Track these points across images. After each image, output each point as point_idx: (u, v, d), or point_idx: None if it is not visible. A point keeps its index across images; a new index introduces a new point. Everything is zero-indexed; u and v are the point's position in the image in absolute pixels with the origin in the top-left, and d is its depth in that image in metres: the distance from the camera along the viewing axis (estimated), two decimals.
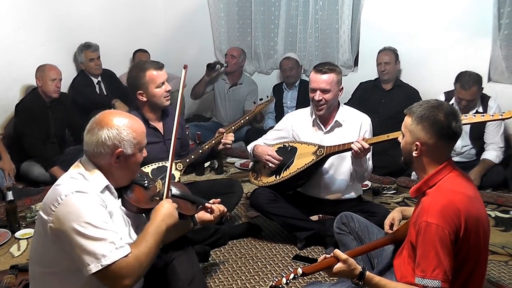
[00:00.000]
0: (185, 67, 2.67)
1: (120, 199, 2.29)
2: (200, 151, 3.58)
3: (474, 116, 2.84)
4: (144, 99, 3.39)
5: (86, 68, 5.63)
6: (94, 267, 1.93)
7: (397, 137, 2.75)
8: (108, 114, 2.19)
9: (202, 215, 2.72)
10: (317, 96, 3.45)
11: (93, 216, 1.96)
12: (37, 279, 2.17)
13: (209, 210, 2.72)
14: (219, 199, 2.82)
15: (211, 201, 2.77)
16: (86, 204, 1.98)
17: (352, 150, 3.22)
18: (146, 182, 2.43)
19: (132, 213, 2.38)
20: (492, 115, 2.83)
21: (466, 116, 2.79)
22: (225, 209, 2.77)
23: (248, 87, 6.28)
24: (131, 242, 2.21)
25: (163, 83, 3.40)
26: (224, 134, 3.61)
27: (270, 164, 3.57)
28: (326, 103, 3.47)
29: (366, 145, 3.16)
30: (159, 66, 3.43)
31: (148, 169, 3.30)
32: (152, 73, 3.37)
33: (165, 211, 2.22)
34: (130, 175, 2.29)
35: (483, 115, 2.85)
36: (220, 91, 6.34)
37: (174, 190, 2.57)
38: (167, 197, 2.38)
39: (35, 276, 2.18)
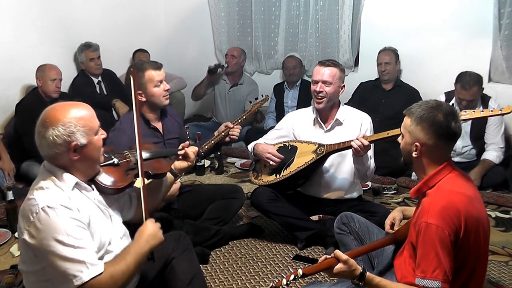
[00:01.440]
0: (132, 73, 2.70)
1: (95, 189, 2.26)
2: (206, 146, 3.63)
3: (474, 111, 2.84)
4: (143, 99, 3.38)
5: (86, 68, 5.62)
6: None
7: (397, 134, 2.76)
8: (49, 112, 2.09)
9: (179, 164, 2.74)
10: (318, 87, 3.47)
11: (63, 233, 1.93)
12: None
13: (182, 157, 2.74)
14: (187, 142, 2.85)
15: (180, 147, 2.78)
16: (57, 221, 1.93)
17: (352, 148, 3.22)
18: (114, 159, 2.37)
19: (112, 199, 2.37)
20: (492, 111, 2.84)
21: (465, 112, 2.79)
22: (197, 149, 2.80)
23: (248, 87, 6.28)
24: (114, 238, 2.24)
25: (161, 82, 3.40)
26: (231, 127, 3.69)
27: (271, 162, 3.57)
28: (326, 96, 3.48)
29: (366, 142, 3.16)
30: (157, 66, 3.42)
31: None
32: (150, 73, 3.36)
33: (149, 232, 2.19)
34: (95, 162, 2.21)
35: (482, 111, 2.85)
36: (221, 92, 6.34)
37: (144, 154, 2.51)
38: (143, 177, 2.35)
39: (32, 286, 2.13)
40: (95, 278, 1.95)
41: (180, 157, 2.74)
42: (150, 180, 2.59)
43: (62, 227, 1.93)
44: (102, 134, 2.21)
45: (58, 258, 1.92)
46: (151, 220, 2.26)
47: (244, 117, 3.82)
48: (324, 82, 3.47)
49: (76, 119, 2.06)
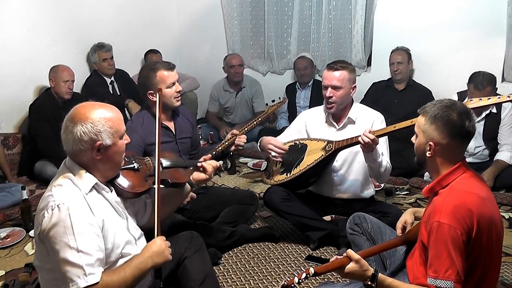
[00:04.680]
0: (159, 90, 2.70)
1: (114, 190, 2.27)
2: (214, 152, 3.53)
3: (481, 99, 2.75)
4: (154, 99, 3.37)
5: (99, 68, 5.66)
6: None
7: (404, 127, 2.75)
8: (79, 109, 2.12)
9: (197, 176, 2.75)
10: (328, 93, 3.46)
11: (71, 234, 1.94)
12: (50, 285, 2.14)
13: (201, 169, 2.74)
14: (209, 155, 2.87)
15: (201, 159, 2.79)
16: (68, 220, 1.95)
17: (360, 144, 3.20)
18: (135, 164, 2.39)
19: (128, 202, 2.38)
20: (499, 97, 2.75)
21: (472, 100, 2.74)
22: (217, 164, 2.80)
23: (252, 88, 6.35)
24: (130, 240, 2.24)
25: (173, 84, 3.38)
26: (237, 136, 3.60)
27: (273, 154, 3.56)
28: (337, 101, 3.48)
29: (372, 136, 3.12)
30: (170, 66, 3.39)
31: None
32: (163, 73, 3.34)
33: (156, 249, 2.18)
34: (116, 165, 2.23)
35: (489, 98, 2.75)
36: (227, 102, 6.40)
37: (164, 162, 2.54)
38: (158, 182, 2.35)
39: (47, 283, 2.15)
40: (91, 286, 1.95)
41: (201, 168, 2.75)
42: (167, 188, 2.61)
43: (73, 227, 1.95)
44: (126, 140, 2.23)
45: (61, 258, 1.94)
46: (162, 237, 2.26)
47: (254, 123, 3.73)
48: (333, 87, 3.45)
49: (105, 119, 2.10)
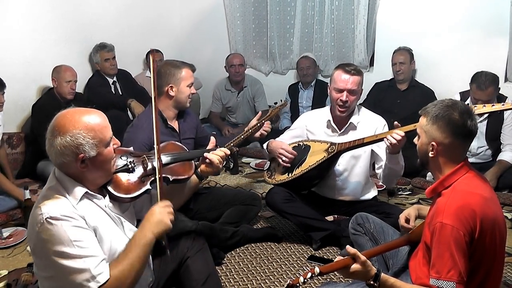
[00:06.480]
0: (151, 51, 2.53)
1: (107, 197, 2.17)
2: (243, 136, 3.55)
3: (485, 105, 2.75)
4: (173, 94, 3.41)
5: (101, 68, 5.66)
6: None
7: (408, 131, 2.75)
8: (59, 119, 2.00)
9: (204, 168, 2.62)
10: (344, 97, 3.41)
11: (67, 244, 1.87)
12: None
13: (208, 161, 2.60)
14: (215, 141, 2.85)
15: (209, 146, 2.76)
16: (61, 232, 1.87)
17: (389, 144, 3.03)
18: (129, 165, 2.24)
19: (127, 204, 2.30)
20: (503, 104, 2.74)
21: (476, 106, 2.74)
22: (227, 152, 2.66)
23: (253, 87, 6.37)
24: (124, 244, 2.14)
25: (192, 84, 3.47)
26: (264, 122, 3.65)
27: (284, 158, 3.56)
28: (351, 105, 3.46)
29: (402, 133, 2.98)
30: (193, 68, 3.52)
31: None
32: (188, 71, 3.46)
33: (155, 219, 2.09)
34: (106, 172, 2.12)
35: (493, 105, 2.75)
36: (230, 102, 6.43)
37: (164, 158, 2.42)
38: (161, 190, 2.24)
39: None
40: (103, 285, 1.90)
41: (207, 160, 2.60)
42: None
43: (67, 238, 1.87)
44: (115, 144, 2.12)
45: (64, 270, 1.88)
46: (161, 203, 2.17)
47: (258, 125, 3.74)
48: (350, 91, 3.41)
49: (85, 130, 1.97)
